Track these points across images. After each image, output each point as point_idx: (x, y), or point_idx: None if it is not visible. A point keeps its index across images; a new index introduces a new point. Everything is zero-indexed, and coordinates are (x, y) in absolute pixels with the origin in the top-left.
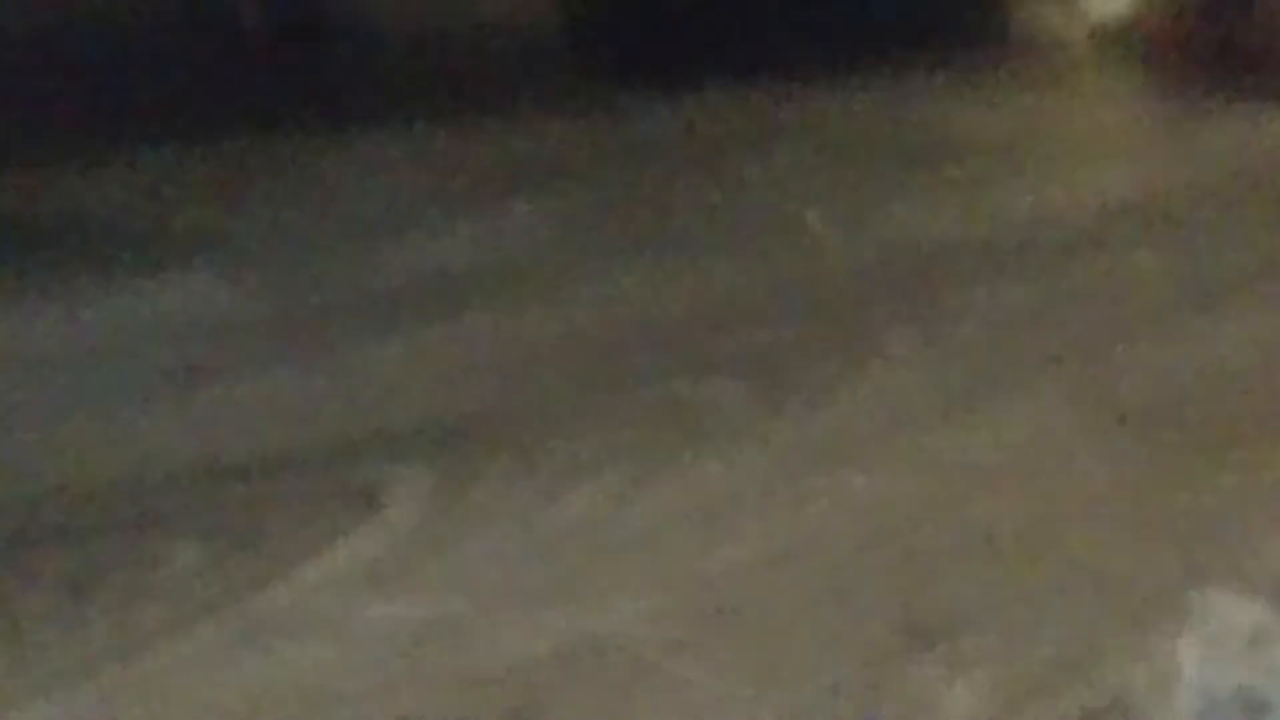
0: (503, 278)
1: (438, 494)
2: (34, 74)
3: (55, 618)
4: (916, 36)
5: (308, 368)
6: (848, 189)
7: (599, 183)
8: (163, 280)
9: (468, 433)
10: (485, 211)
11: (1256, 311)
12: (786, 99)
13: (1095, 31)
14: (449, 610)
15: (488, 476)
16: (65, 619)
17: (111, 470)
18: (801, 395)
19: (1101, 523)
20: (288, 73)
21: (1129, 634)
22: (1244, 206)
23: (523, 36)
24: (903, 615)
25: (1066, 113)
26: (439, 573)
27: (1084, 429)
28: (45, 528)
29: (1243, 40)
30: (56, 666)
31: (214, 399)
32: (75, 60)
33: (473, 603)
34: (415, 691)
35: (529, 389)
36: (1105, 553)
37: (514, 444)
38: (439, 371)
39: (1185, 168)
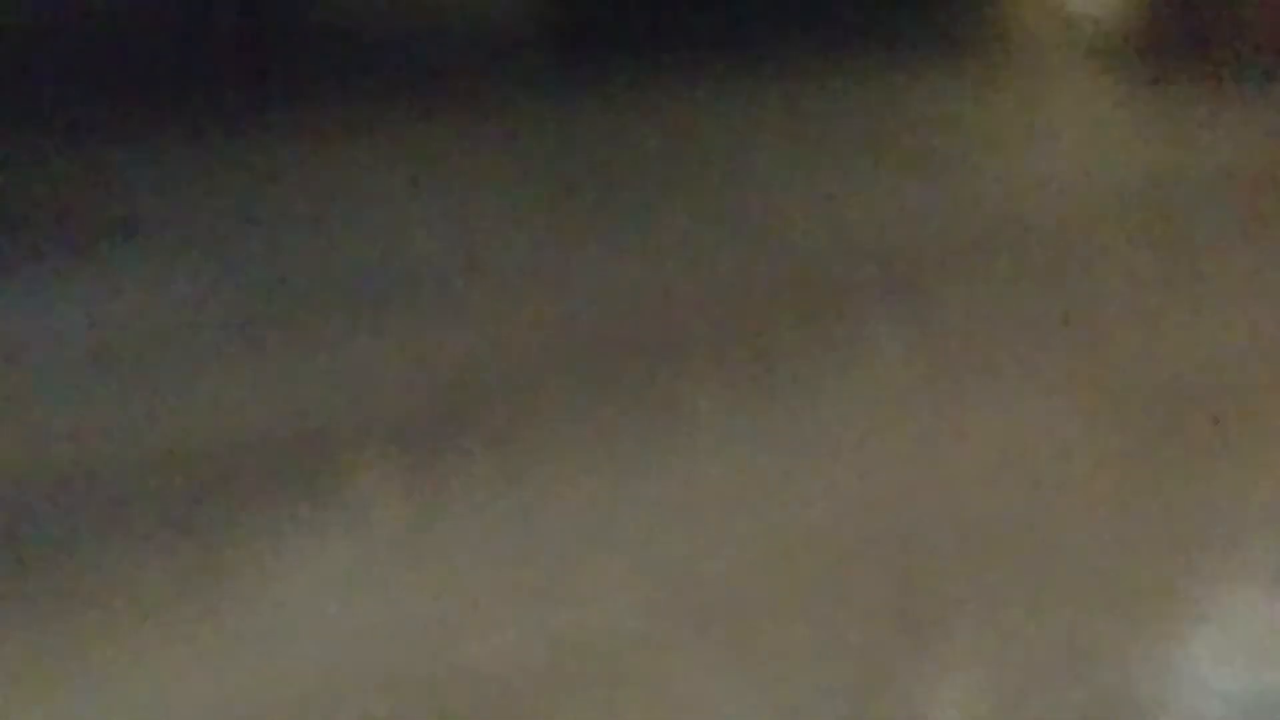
0: (481, 269)
1: (413, 490)
2: None
3: (6, 617)
4: (897, 31)
5: (278, 361)
6: (831, 181)
7: (575, 175)
8: (127, 271)
9: (444, 428)
10: (458, 202)
11: (1240, 302)
12: (767, 92)
13: (1075, 26)
14: (426, 610)
15: (465, 473)
16: (18, 619)
17: (68, 466)
18: (788, 388)
19: (1097, 516)
20: (253, 62)
21: (1128, 630)
22: (1225, 197)
23: (496, 27)
24: (897, 611)
25: (1047, 106)
26: (416, 571)
27: (1076, 422)
28: None
29: (1220, 33)
30: (9, 668)
31: (179, 393)
32: (38, 51)
33: (451, 602)
34: (391, 694)
35: (508, 381)
36: (1102, 547)
37: (493, 438)
38: (415, 365)
39: (1167, 160)
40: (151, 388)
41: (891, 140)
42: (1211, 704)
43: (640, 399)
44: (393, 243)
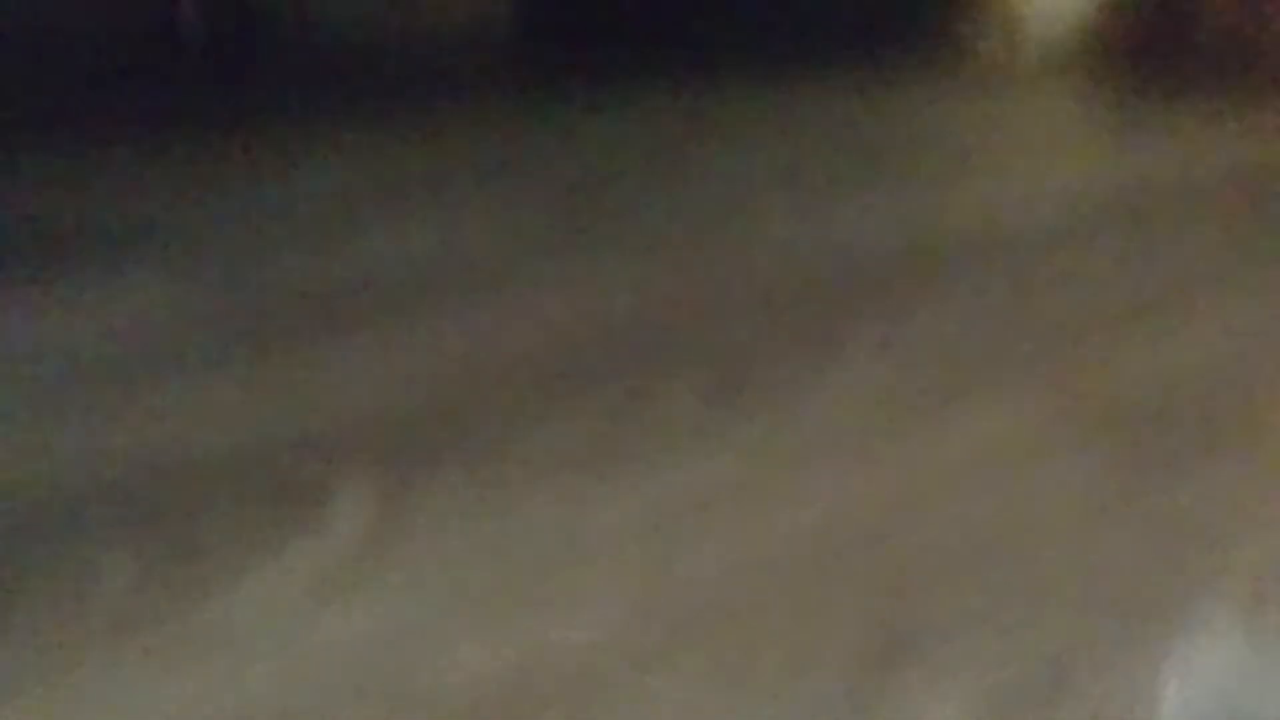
0: (455, 277)
1: (388, 499)
2: None
3: None
4: (872, 41)
5: (253, 368)
6: (808, 190)
7: (555, 182)
8: (108, 279)
9: (419, 436)
10: (437, 211)
11: (1218, 308)
12: (745, 103)
13: (1054, 40)
14: (400, 622)
15: (441, 481)
16: None
17: (43, 474)
18: (767, 397)
19: (1079, 526)
20: (234, 70)
21: (1112, 642)
22: (1197, 203)
23: (476, 34)
24: (879, 623)
25: (1022, 115)
26: (390, 582)
27: (1054, 429)
28: None
29: (1189, 42)
30: None
31: (156, 400)
32: (12, 61)
33: (426, 614)
34: (364, 709)
35: (484, 390)
36: (1085, 557)
37: (468, 447)
38: (389, 372)
39: (1140, 167)
40: (127, 397)
41: (871, 151)
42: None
43: (618, 408)
44: (372, 253)
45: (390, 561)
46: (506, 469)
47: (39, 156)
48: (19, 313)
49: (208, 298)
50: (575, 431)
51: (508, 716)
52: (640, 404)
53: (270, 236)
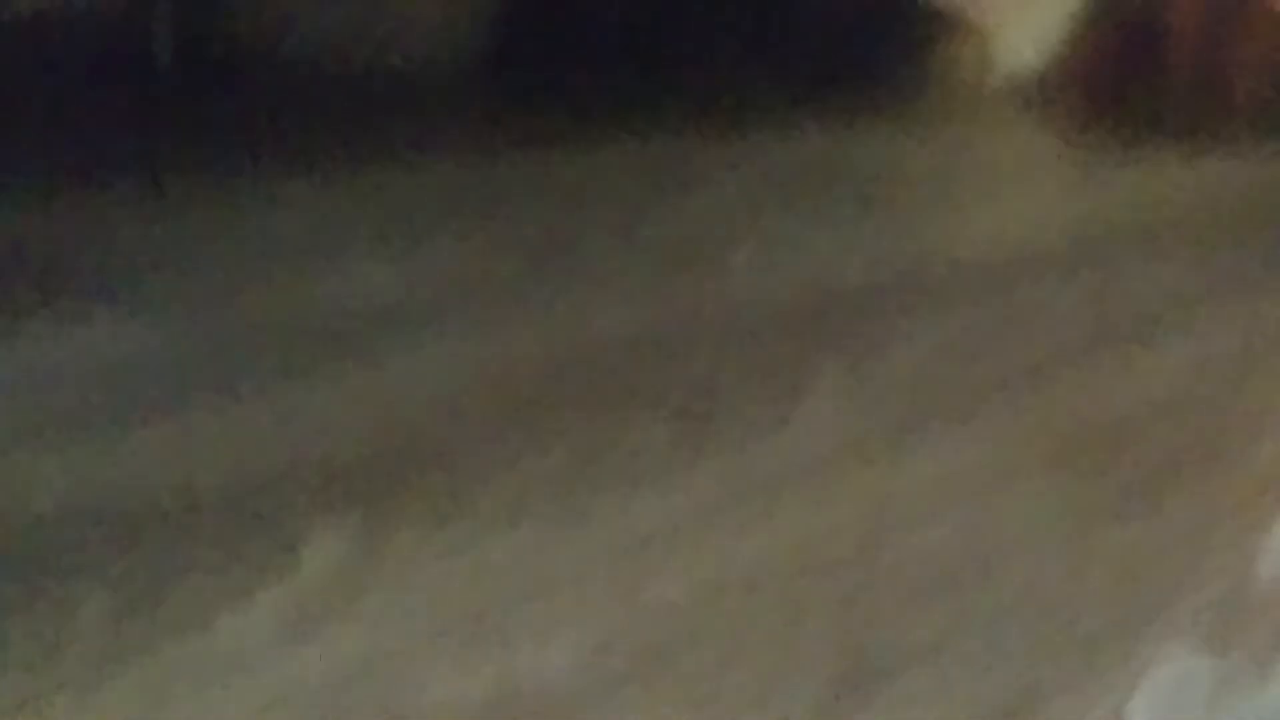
0: (424, 317)
1: (361, 536)
2: None
3: None
4: (838, 82)
5: (225, 408)
6: (773, 228)
7: (524, 221)
8: (81, 320)
9: (390, 473)
10: (406, 250)
11: (1181, 343)
12: (711, 141)
13: (1011, 78)
14: (373, 657)
15: (412, 517)
16: None
17: (19, 515)
18: (732, 432)
19: (1040, 557)
20: (203, 110)
21: (1075, 673)
22: (1156, 242)
23: (444, 74)
24: (846, 650)
25: (985, 155)
26: (363, 618)
27: (1015, 463)
28: None
29: (1158, 78)
30: None
31: (131, 440)
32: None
33: (398, 648)
34: None
35: (453, 428)
36: (1047, 588)
37: (439, 483)
38: (361, 411)
39: (1100, 206)
40: (101, 437)
41: (840, 186)
42: None
43: (589, 442)
44: (344, 292)
45: (364, 598)
46: (479, 502)
47: (5, 193)
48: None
49: (180, 336)
50: (547, 464)
51: None
52: (611, 437)
53: (242, 276)
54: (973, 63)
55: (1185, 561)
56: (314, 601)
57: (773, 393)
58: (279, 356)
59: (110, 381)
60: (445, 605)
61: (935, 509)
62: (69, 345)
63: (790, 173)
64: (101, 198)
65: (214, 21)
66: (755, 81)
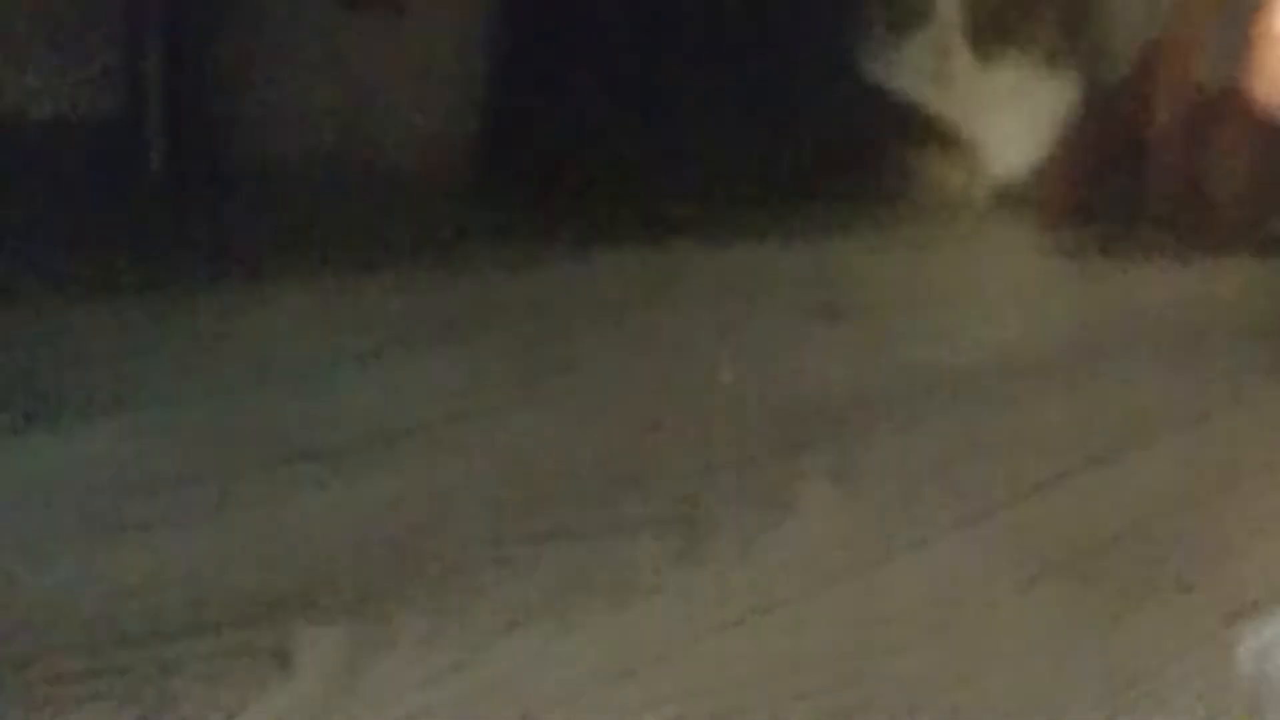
0: (414, 430)
1: (352, 655)
2: None
3: None
4: (824, 193)
5: (216, 523)
6: (759, 342)
7: (510, 334)
8: (69, 433)
9: (382, 590)
10: (395, 363)
11: (1164, 462)
12: (700, 252)
13: (999, 186)
14: None
15: (403, 637)
16: None
17: (6, 633)
18: (718, 549)
19: (1025, 679)
20: (195, 220)
21: None
22: (1143, 359)
23: (431, 186)
24: None
25: (970, 268)
26: None
27: (1002, 581)
28: None
29: (1142, 198)
30: None
31: (120, 556)
32: None
33: None
34: None
35: (443, 544)
36: (1031, 712)
37: (429, 602)
38: (351, 526)
39: (1089, 314)
40: (91, 550)
41: (823, 299)
42: None
43: (579, 556)
44: (332, 403)
45: (354, 712)
46: (469, 619)
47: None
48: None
49: (169, 449)
50: (537, 580)
51: None
52: (600, 552)
53: (233, 387)
54: (961, 170)
55: (1177, 672)
56: (303, 718)
57: (762, 506)
58: (269, 469)
59: (97, 495)
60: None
61: (923, 624)
62: (54, 458)
63: (777, 282)
64: (90, 307)
65: (208, 129)
66: (744, 192)
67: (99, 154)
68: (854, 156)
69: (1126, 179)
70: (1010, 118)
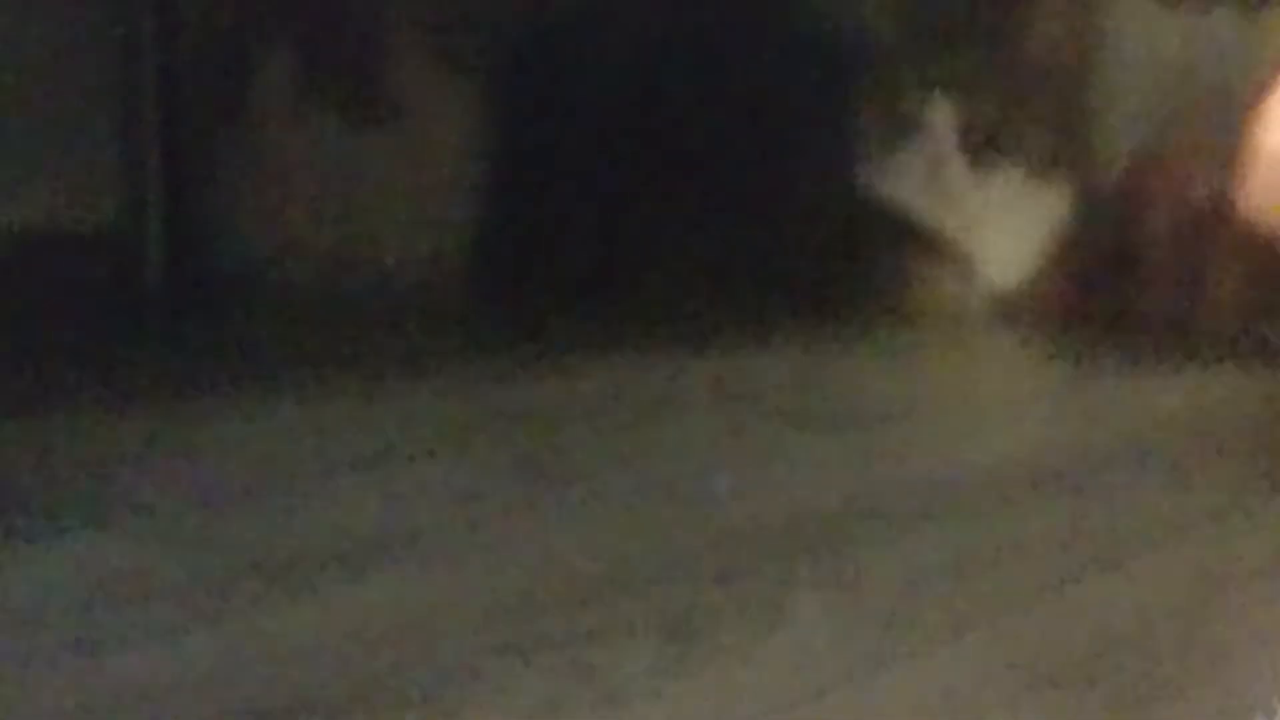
0: (409, 539)
1: None
2: None
3: None
4: (819, 303)
5: (211, 635)
6: (754, 452)
7: (507, 444)
8: (63, 543)
9: (377, 699)
10: (392, 472)
11: (1158, 573)
12: (693, 362)
13: (991, 296)
14: None
15: None
16: None
17: None
18: (712, 658)
19: None
20: (192, 328)
21: None
22: (1141, 468)
23: (429, 296)
24: None
25: (967, 378)
26: None
27: (996, 692)
28: None
29: (1135, 308)
30: None
31: (115, 668)
32: None
33: None
34: None
35: (438, 653)
36: None
37: (425, 710)
38: (347, 636)
39: (1083, 431)
40: (82, 661)
41: (819, 410)
42: None
43: (572, 667)
44: (327, 514)
45: None
46: None
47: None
48: None
49: (166, 558)
50: (532, 688)
51: None
52: (594, 662)
53: (230, 498)
54: (955, 280)
55: None
56: None
57: (754, 618)
58: (265, 579)
59: (94, 604)
60: None
61: None
62: (54, 567)
63: (772, 393)
64: (89, 419)
65: (205, 243)
66: (740, 302)
67: (95, 265)
68: (848, 266)
69: (1121, 288)
70: (1004, 227)
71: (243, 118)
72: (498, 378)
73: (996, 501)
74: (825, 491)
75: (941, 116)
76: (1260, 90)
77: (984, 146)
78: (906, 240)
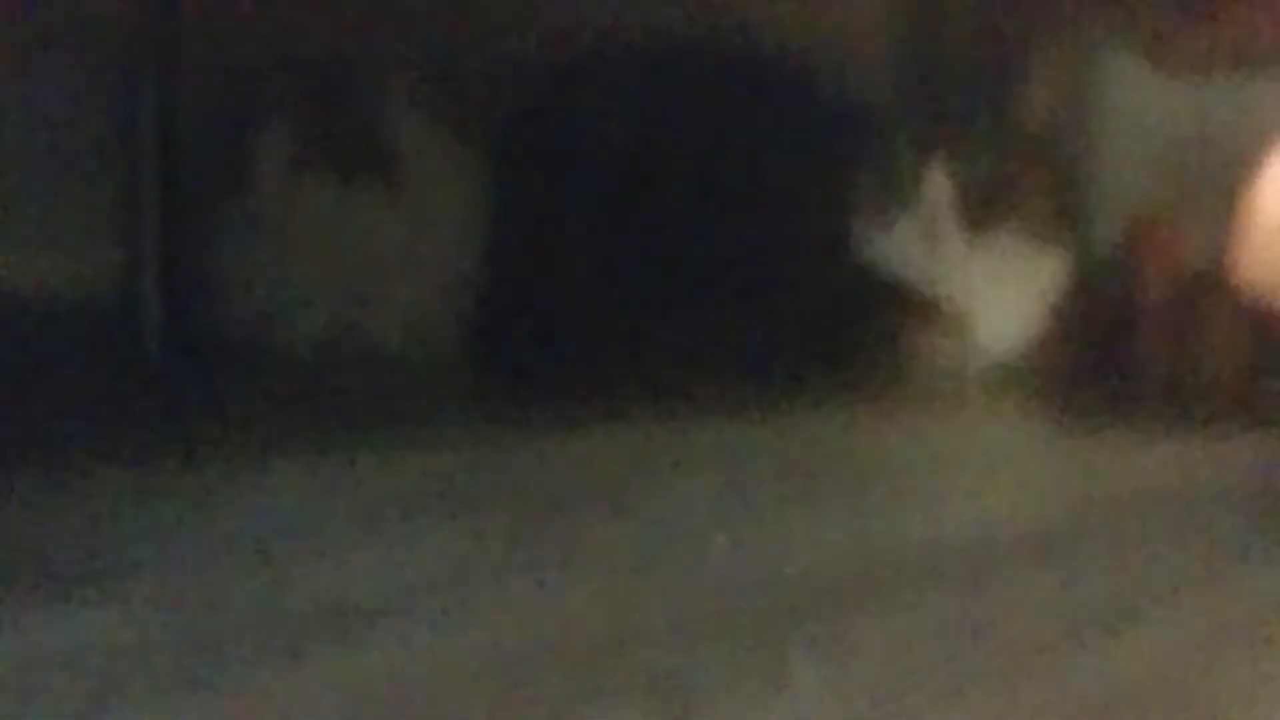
0: (404, 604)
1: None
2: None
3: None
4: (816, 371)
5: (210, 699)
6: (749, 517)
7: (504, 507)
8: (58, 610)
9: None
10: (388, 536)
11: (1156, 636)
12: (688, 428)
13: (987, 362)
14: None
15: None
16: None
17: None
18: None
19: None
20: (186, 392)
21: None
22: (1138, 530)
23: (426, 359)
24: None
25: (964, 443)
26: None
27: None
28: None
29: (1132, 374)
30: None
31: None
32: None
33: None
34: None
35: (433, 716)
36: None
37: None
38: (342, 701)
39: (1080, 496)
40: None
41: (814, 476)
42: None
43: None
44: (324, 580)
45: None
46: None
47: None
48: None
49: (163, 624)
50: None
51: None
52: None
53: (227, 563)
54: (951, 349)
55: None
56: None
57: (750, 688)
58: (262, 644)
59: (92, 671)
60: None
61: None
62: (47, 632)
63: (768, 458)
64: (86, 484)
65: (202, 310)
66: (735, 370)
67: (96, 333)
68: (843, 333)
69: (1118, 354)
70: (1000, 296)
71: (243, 189)
72: (495, 442)
73: (994, 566)
74: (822, 556)
75: (938, 184)
76: (1259, 159)
77: (981, 214)
78: (903, 307)
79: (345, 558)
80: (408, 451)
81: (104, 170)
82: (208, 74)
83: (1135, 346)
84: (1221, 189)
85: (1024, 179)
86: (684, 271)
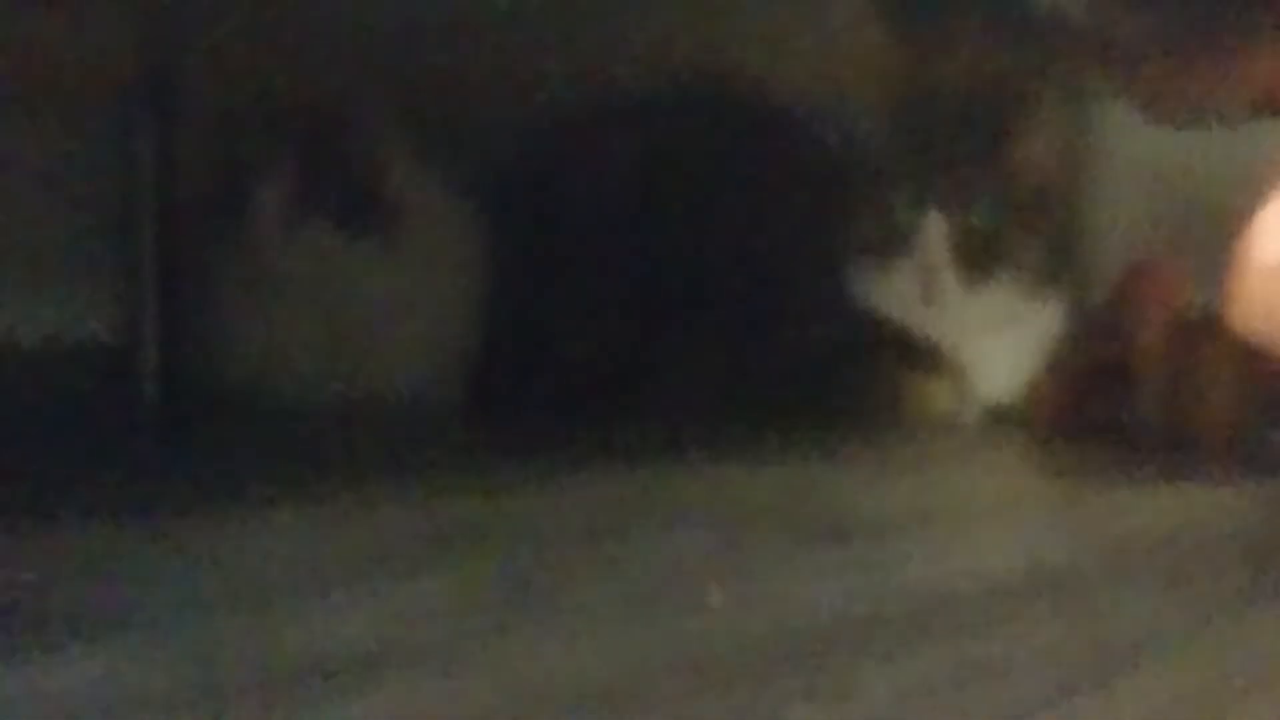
0: (402, 656)
1: None
2: None
3: None
4: (814, 417)
5: None
6: (747, 565)
7: (499, 558)
8: (54, 661)
9: None
10: (384, 588)
11: (1156, 683)
12: (685, 477)
13: (985, 409)
14: None
15: None
16: None
17: None
18: None
19: None
20: (184, 444)
21: None
22: (1138, 578)
23: (422, 409)
24: None
25: (962, 490)
26: None
27: None
28: None
29: (1129, 417)
30: None
31: None
32: None
33: None
34: None
35: None
36: None
37: None
38: None
39: (1079, 541)
40: None
41: (810, 524)
42: None
43: None
44: (320, 630)
45: None
46: None
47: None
48: None
49: (160, 674)
50: None
51: None
52: None
53: (223, 613)
54: (949, 393)
55: None
56: None
57: None
58: (254, 694)
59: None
60: None
61: None
62: (45, 680)
63: (766, 506)
64: (80, 534)
65: (201, 359)
66: (735, 415)
67: (90, 380)
68: (841, 378)
69: (1117, 400)
70: (998, 340)
71: (238, 240)
72: (489, 493)
73: (994, 614)
74: (821, 604)
75: (935, 230)
76: (1253, 205)
77: (978, 260)
78: (901, 353)
79: (339, 608)
80: (402, 502)
81: (100, 223)
82: (205, 127)
83: (1134, 392)
84: (1216, 235)
85: (1021, 227)
86: (681, 321)
